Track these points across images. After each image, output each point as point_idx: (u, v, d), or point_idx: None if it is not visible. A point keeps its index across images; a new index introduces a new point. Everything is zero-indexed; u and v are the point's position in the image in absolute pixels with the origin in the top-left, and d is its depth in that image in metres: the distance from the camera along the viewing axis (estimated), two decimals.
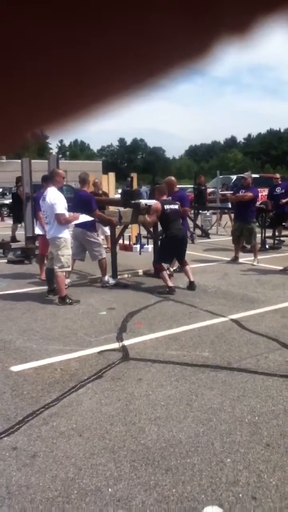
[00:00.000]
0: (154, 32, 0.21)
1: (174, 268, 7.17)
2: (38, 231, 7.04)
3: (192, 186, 15.19)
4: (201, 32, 0.22)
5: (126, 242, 9.33)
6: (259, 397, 3.16)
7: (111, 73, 0.23)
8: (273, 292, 6.13)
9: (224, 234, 12.39)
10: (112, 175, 10.67)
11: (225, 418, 2.89)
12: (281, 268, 7.53)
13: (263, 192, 14.96)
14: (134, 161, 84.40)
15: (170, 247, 6.19)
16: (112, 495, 2.20)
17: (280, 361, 3.78)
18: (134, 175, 10.57)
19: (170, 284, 6.06)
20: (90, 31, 0.21)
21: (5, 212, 19.91)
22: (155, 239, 7.31)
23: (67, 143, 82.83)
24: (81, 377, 3.48)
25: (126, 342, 4.23)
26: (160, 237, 6.52)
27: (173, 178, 7.53)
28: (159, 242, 6.62)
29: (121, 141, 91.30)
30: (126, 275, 7.14)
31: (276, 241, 10.44)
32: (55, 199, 5.57)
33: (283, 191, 10.34)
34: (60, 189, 5.99)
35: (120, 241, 8.33)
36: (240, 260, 8.34)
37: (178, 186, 7.80)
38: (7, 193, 22.04)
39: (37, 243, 7.75)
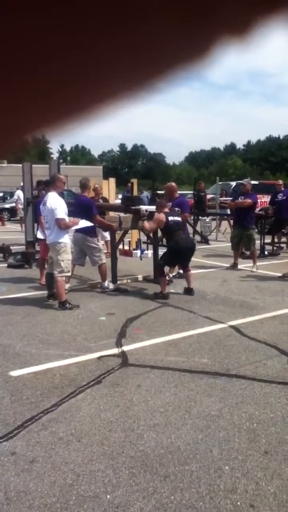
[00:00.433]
0: (153, 35, 0.22)
1: (174, 274, 7.18)
2: (39, 235, 7.05)
3: (192, 192, 15.23)
4: (201, 35, 0.22)
5: (126, 247, 9.35)
6: (257, 404, 3.17)
7: (110, 76, 0.23)
8: (272, 298, 6.14)
9: (223, 240, 12.41)
10: (112, 180, 10.71)
11: (223, 425, 2.89)
12: (280, 274, 7.54)
13: (262, 199, 15.00)
14: (134, 166, 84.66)
15: (178, 254, 6.22)
16: (110, 501, 2.20)
17: (278, 368, 3.79)
18: (134, 181, 10.61)
19: (165, 290, 6.09)
20: (89, 34, 0.21)
21: (5, 217, 19.93)
22: (155, 245, 7.33)
23: (68, 148, 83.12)
24: (80, 383, 3.48)
25: (125, 348, 4.24)
26: (168, 244, 6.50)
27: (173, 183, 7.57)
28: (167, 247, 6.61)
29: (122, 146, 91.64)
30: (126, 281, 7.15)
31: (275, 248, 10.47)
32: (55, 204, 5.59)
33: (284, 197, 10.38)
34: (61, 194, 6.02)
35: (120, 247, 8.35)
36: (239, 266, 8.36)
37: (178, 192, 7.83)
38: (8, 197, 22.10)
39: (37, 248, 7.77)
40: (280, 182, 11.63)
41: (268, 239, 10.31)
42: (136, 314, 5.37)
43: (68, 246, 5.78)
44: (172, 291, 6.30)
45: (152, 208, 6.81)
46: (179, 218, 6.26)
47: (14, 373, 3.69)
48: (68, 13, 0.20)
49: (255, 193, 9.15)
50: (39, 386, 3.44)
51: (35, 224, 8.14)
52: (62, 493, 2.26)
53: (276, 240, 10.74)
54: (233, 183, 20.34)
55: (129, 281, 7.21)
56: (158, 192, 6.92)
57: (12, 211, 19.76)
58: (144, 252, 8.68)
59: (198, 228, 12.74)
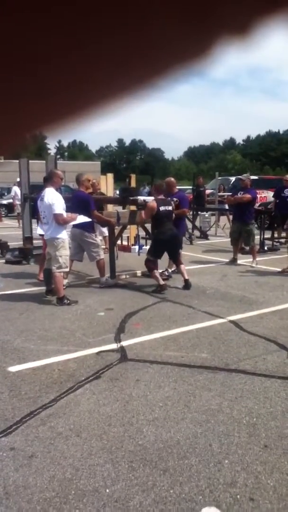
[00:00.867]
0: (154, 34, 0.21)
1: (173, 269, 7.17)
2: (40, 231, 7.01)
3: (191, 187, 15.20)
4: (202, 34, 0.22)
5: (125, 242, 9.33)
6: (257, 399, 3.16)
7: (111, 75, 0.23)
8: (272, 293, 6.13)
9: (222, 235, 12.40)
10: (110, 176, 10.66)
11: (223, 419, 2.89)
12: (279, 269, 7.53)
13: (262, 194, 14.98)
14: (132, 162, 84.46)
15: (160, 243, 6.22)
16: (109, 495, 2.19)
17: (278, 363, 3.78)
18: (133, 176, 10.57)
19: (161, 282, 6.10)
20: (89, 33, 0.21)
21: (3, 213, 19.88)
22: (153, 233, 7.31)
23: (65, 143, 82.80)
24: (79, 378, 3.47)
25: (124, 343, 4.23)
26: (154, 233, 6.52)
27: (172, 179, 7.54)
28: (152, 239, 6.62)
29: (120, 142, 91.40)
30: (124, 276, 7.13)
31: (277, 243, 10.45)
32: (53, 199, 5.56)
33: None
34: (59, 189, 5.99)
35: (119, 242, 8.33)
36: (239, 261, 8.35)
37: (177, 187, 7.81)
38: (5, 193, 22.04)
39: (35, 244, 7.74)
40: (287, 177, 11.55)
41: (267, 234, 10.30)
42: (134, 309, 5.36)
43: (66, 241, 5.76)
44: (171, 286, 6.29)
45: (150, 198, 6.80)
46: (170, 208, 6.24)
47: (13, 368, 3.67)
48: (68, 13, 0.20)
49: (254, 188, 9.12)
50: (38, 381, 3.43)
51: (36, 220, 8.10)
52: (62, 488, 2.25)
53: (276, 235, 10.72)
54: (233, 178, 20.31)
55: (127, 276, 7.19)
56: (157, 183, 7.00)
57: (10, 207, 19.71)
58: (143, 247, 8.66)
59: (197, 223, 12.72)
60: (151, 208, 6.10)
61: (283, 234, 10.67)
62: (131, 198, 6.52)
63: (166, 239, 6.17)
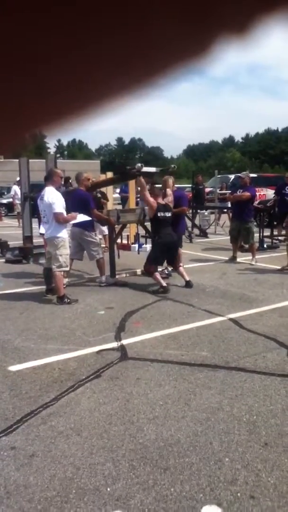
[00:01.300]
0: (154, 33, 0.21)
1: (172, 268, 7.16)
2: (43, 230, 7.00)
3: (190, 185, 15.19)
4: (201, 32, 0.22)
5: (125, 241, 9.32)
6: (257, 396, 3.17)
7: (111, 74, 0.23)
8: (271, 291, 6.14)
9: (222, 233, 12.39)
10: (110, 174, 10.65)
11: (223, 418, 2.89)
12: (279, 267, 7.54)
13: (261, 192, 14.97)
14: (132, 160, 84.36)
15: (161, 250, 6.22)
16: (110, 494, 2.20)
17: (278, 361, 3.78)
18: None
19: (164, 283, 6.08)
20: (89, 32, 0.21)
21: (3, 212, 19.87)
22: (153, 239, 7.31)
23: (65, 142, 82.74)
24: (79, 377, 3.48)
25: (124, 342, 4.23)
26: (154, 238, 6.50)
27: (171, 178, 7.52)
28: (153, 244, 6.60)
29: (119, 140, 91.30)
30: (124, 275, 7.14)
31: (276, 241, 10.44)
32: (53, 198, 5.56)
33: None
34: (58, 188, 5.98)
35: (118, 241, 8.32)
36: (238, 259, 8.35)
37: (176, 185, 7.80)
38: (5, 193, 22.03)
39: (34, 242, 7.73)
40: None
41: (267, 232, 10.29)
42: (135, 307, 5.36)
43: (66, 240, 5.76)
44: (171, 284, 6.29)
45: (151, 169, 6.72)
46: (168, 215, 6.23)
47: (13, 368, 3.68)
48: (68, 12, 0.20)
49: (253, 186, 9.11)
50: (38, 380, 3.44)
51: (37, 220, 8.09)
52: (62, 487, 2.26)
53: (275, 233, 10.71)
54: (232, 176, 20.31)
55: (127, 275, 7.20)
56: (156, 185, 6.93)
57: (10, 206, 19.69)
58: (143, 246, 8.66)
59: (196, 221, 12.72)
60: (150, 207, 6.09)
61: (283, 232, 10.66)
62: (127, 168, 6.41)
63: (164, 244, 6.17)
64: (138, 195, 10.42)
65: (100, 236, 8.45)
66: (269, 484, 2.27)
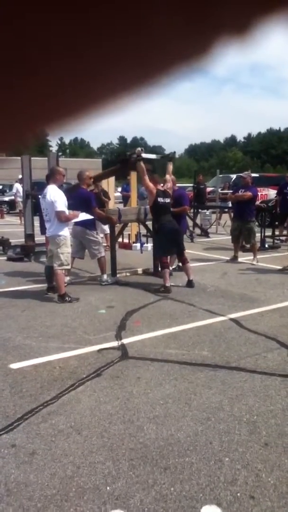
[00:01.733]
0: (155, 33, 0.21)
1: (174, 267, 7.17)
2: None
3: (191, 185, 15.18)
4: (202, 33, 0.22)
5: (126, 240, 9.32)
6: (257, 396, 3.17)
7: (112, 74, 0.23)
8: (272, 291, 6.13)
9: (223, 233, 12.39)
10: None
11: (223, 417, 2.89)
12: (280, 267, 7.53)
13: (263, 192, 14.95)
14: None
15: (165, 237, 6.18)
16: (110, 493, 2.20)
17: (278, 361, 3.78)
18: (134, 174, 10.54)
19: (168, 284, 6.06)
20: (90, 33, 0.21)
21: (4, 210, 19.88)
22: (155, 236, 7.31)
23: (67, 141, 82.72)
24: (80, 375, 3.48)
25: (125, 341, 4.23)
26: (155, 228, 6.51)
27: (172, 176, 7.51)
28: (155, 235, 6.58)
29: (121, 139, 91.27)
30: (125, 274, 7.14)
31: (277, 241, 10.43)
32: (55, 196, 5.56)
33: None
34: (60, 186, 5.98)
35: (120, 240, 8.33)
36: (240, 259, 8.34)
37: (177, 185, 7.80)
38: (7, 190, 22.04)
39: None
40: None
41: (268, 232, 10.29)
42: (135, 307, 5.36)
43: (68, 239, 5.76)
44: (172, 284, 6.29)
45: (151, 156, 6.73)
46: (168, 200, 6.24)
47: (14, 365, 3.68)
48: (70, 9, 0.20)
49: (255, 186, 9.11)
50: (39, 378, 3.44)
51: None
52: (62, 485, 2.26)
53: (277, 233, 10.71)
54: (234, 176, 20.27)
55: (128, 274, 7.20)
56: (153, 175, 7.02)
57: (11, 204, 19.70)
58: (144, 245, 8.66)
59: (198, 221, 12.71)
60: (150, 191, 6.11)
61: (284, 232, 10.66)
62: (127, 154, 6.41)
63: (167, 232, 6.14)
64: (138, 196, 10.43)
65: (102, 235, 8.46)
66: (269, 484, 2.27)
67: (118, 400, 3.10)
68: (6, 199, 20.89)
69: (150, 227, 7.30)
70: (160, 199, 6.11)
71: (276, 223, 10.70)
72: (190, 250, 9.12)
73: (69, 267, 5.92)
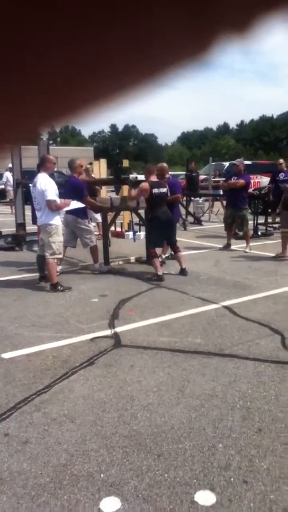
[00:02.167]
0: (154, 31, 0.21)
1: (167, 255, 7.15)
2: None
3: (184, 173, 15.12)
4: (201, 30, 0.22)
5: (118, 229, 9.27)
6: (250, 383, 3.18)
7: (110, 71, 0.23)
8: (265, 278, 6.15)
9: (216, 221, 12.38)
10: (103, 161, 10.54)
11: (217, 404, 2.90)
12: (273, 255, 7.55)
13: (255, 179, 14.94)
14: (126, 147, 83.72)
15: (158, 229, 6.16)
16: (104, 480, 2.20)
17: (271, 347, 3.80)
18: (126, 162, 10.45)
19: (160, 272, 6.05)
20: (90, 30, 0.20)
21: None
22: (147, 226, 7.28)
23: (57, 129, 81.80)
24: (73, 364, 3.47)
25: (118, 329, 4.22)
26: (148, 221, 6.49)
27: (165, 164, 7.46)
28: (149, 225, 6.56)
29: (113, 127, 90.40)
30: (118, 262, 7.11)
31: (270, 228, 10.44)
32: (46, 185, 5.50)
33: (286, 177, 10.30)
34: (51, 175, 5.91)
35: (112, 228, 8.27)
36: (232, 247, 8.35)
37: (170, 172, 7.75)
38: None
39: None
40: (281, 161, 11.47)
41: (261, 220, 10.29)
42: (128, 295, 5.35)
43: (59, 228, 5.71)
44: (165, 272, 6.28)
45: (142, 177, 6.74)
46: (164, 190, 6.19)
47: (6, 355, 3.66)
48: (68, 10, 0.20)
49: (248, 173, 9.08)
50: (32, 368, 3.43)
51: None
52: (56, 473, 2.26)
53: (270, 220, 10.72)
54: (226, 164, 20.21)
55: (121, 262, 7.17)
56: (147, 166, 7.03)
57: (2, 193, 19.48)
58: (137, 233, 8.62)
59: (190, 209, 12.68)
60: (144, 190, 6.03)
61: (277, 219, 10.67)
62: (123, 176, 6.41)
63: (161, 223, 6.11)
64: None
65: (94, 224, 8.40)
66: (262, 469, 2.28)
67: (112, 388, 3.10)
68: None
69: (143, 215, 7.26)
70: (155, 190, 6.05)
71: (269, 210, 10.70)
72: (183, 238, 9.11)
73: (61, 256, 5.88)
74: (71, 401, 2.94)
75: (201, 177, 15.88)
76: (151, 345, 3.85)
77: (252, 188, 11.17)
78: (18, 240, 8.50)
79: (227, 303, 5.03)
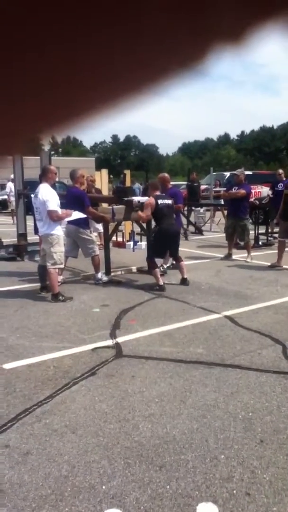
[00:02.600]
0: (151, 39, 0.21)
1: (168, 265, 7.16)
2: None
3: (185, 183, 15.19)
4: (198, 38, 0.22)
5: (120, 239, 9.30)
6: (252, 393, 3.17)
7: (108, 80, 0.23)
8: (266, 288, 6.14)
9: (217, 231, 12.40)
10: (105, 171, 10.63)
11: (219, 415, 2.89)
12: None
13: (256, 189, 14.99)
14: (127, 158, 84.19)
15: (162, 241, 6.18)
16: (106, 492, 2.19)
17: (273, 357, 3.79)
18: (127, 172, 10.53)
19: (161, 282, 6.06)
20: (88, 36, 0.21)
21: None
22: (149, 235, 7.30)
23: (59, 140, 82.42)
24: (74, 374, 3.46)
25: (119, 339, 4.22)
26: (153, 232, 6.50)
27: (166, 174, 7.51)
28: (152, 237, 6.59)
29: (114, 137, 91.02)
30: (119, 272, 7.12)
31: (271, 238, 10.45)
32: (47, 195, 5.53)
33: (283, 188, 10.35)
34: (53, 185, 5.95)
35: (114, 238, 8.30)
36: (234, 256, 8.36)
37: (171, 182, 7.79)
38: (0, 189, 21.89)
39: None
40: (280, 171, 11.55)
41: (262, 229, 10.31)
42: (130, 305, 5.35)
43: (60, 238, 5.73)
44: (166, 282, 6.28)
45: (144, 199, 6.76)
46: (169, 201, 6.22)
47: (7, 365, 3.65)
48: (64, 15, 0.20)
49: (248, 183, 9.12)
50: (33, 378, 3.42)
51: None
52: (57, 485, 2.24)
53: (270, 230, 10.74)
54: (227, 174, 20.29)
55: (122, 272, 7.18)
56: (151, 181, 7.05)
57: (3, 203, 19.57)
58: (138, 243, 8.65)
59: (192, 218, 12.71)
60: (150, 205, 6.05)
61: (276, 229, 10.69)
62: (126, 199, 6.46)
63: (168, 236, 6.12)
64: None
65: (95, 234, 8.43)
66: (264, 480, 2.27)
67: (113, 399, 3.09)
68: None
69: (144, 225, 7.28)
70: (160, 201, 6.08)
71: (269, 220, 10.74)
72: (184, 248, 9.12)
73: (62, 266, 5.89)
74: (73, 412, 2.93)
75: (202, 187, 15.94)
76: (152, 355, 3.84)
77: (253, 198, 11.22)
78: (19, 250, 8.52)
79: (228, 313, 5.03)
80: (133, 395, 3.15)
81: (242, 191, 8.15)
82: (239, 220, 8.20)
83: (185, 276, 6.32)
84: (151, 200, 6.06)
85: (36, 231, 6.57)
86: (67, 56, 0.21)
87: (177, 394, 3.16)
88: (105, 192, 9.95)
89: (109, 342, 4.15)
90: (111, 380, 3.37)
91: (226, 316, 4.91)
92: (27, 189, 8.83)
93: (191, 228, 12.20)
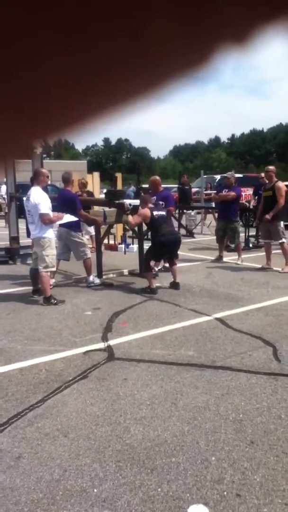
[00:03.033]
0: (154, 44, 0.21)
1: (160, 267, 7.18)
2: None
3: (176, 186, 15.25)
4: (202, 40, 0.22)
5: (111, 241, 9.30)
6: (243, 395, 3.19)
7: (111, 84, 0.23)
8: (257, 290, 6.19)
9: (208, 233, 12.46)
10: (96, 174, 10.63)
11: (209, 417, 2.91)
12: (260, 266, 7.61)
13: (246, 192, 15.09)
14: (119, 161, 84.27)
15: (163, 248, 6.17)
16: (97, 495, 2.19)
17: (264, 359, 3.82)
18: (119, 175, 10.53)
19: (153, 285, 6.08)
20: (88, 41, 0.21)
21: None
22: (140, 239, 7.32)
23: (51, 142, 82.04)
24: (66, 378, 3.46)
25: (111, 342, 4.22)
26: (153, 237, 6.43)
27: (157, 177, 7.55)
28: (151, 241, 6.51)
29: (106, 140, 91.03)
30: (111, 275, 7.12)
31: (259, 240, 10.52)
32: (39, 198, 5.53)
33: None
34: (45, 188, 5.95)
35: (105, 241, 8.31)
36: (224, 259, 8.41)
37: (163, 185, 7.82)
38: None
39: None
40: (262, 175, 11.64)
41: (252, 232, 10.38)
42: (122, 308, 5.36)
43: (52, 241, 5.73)
44: (158, 285, 6.30)
45: (137, 202, 6.77)
46: (163, 212, 6.24)
47: None
48: (67, 20, 0.20)
49: (239, 186, 9.18)
50: (25, 382, 3.41)
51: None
52: (49, 489, 2.24)
53: (260, 232, 10.81)
54: (218, 177, 20.42)
55: (114, 275, 7.19)
56: (143, 186, 6.96)
57: None
58: (130, 246, 8.66)
59: (183, 221, 12.76)
60: (144, 216, 6.06)
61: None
62: (117, 202, 6.46)
63: (169, 243, 6.11)
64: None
65: (87, 237, 8.43)
66: (255, 482, 2.29)
67: (105, 402, 3.10)
68: None
69: (136, 228, 7.29)
70: (155, 212, 6.09)
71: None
72: None
73: (54, 269, 5.89)
74: (64, 415, 2.93)
75: (193, 190, 16.02)
76: (144, 358, 3.86)
77: (244, 201, 11.30)
78: (11, 253, 8.49)
79: (219, 315, 5.06)
80: (124, 398, 3.16)
81: (232, 194, 8.21)
82: (229, 222, 8.25)
83: (177, 281, 6.34)
84: (147, 211, 6.04)
85: (28, 234, 6.56)
86: (65, 61, 0.21)
87: (168, 396, 3.18)
88: (97, 195, 9.95)
89: (101, 345, 4.16)
90: (103, 383, 3.38)
91: (217, 318, 4.94)
92: (19, 192, 8.81)
93: (182, 231, 12.23)
